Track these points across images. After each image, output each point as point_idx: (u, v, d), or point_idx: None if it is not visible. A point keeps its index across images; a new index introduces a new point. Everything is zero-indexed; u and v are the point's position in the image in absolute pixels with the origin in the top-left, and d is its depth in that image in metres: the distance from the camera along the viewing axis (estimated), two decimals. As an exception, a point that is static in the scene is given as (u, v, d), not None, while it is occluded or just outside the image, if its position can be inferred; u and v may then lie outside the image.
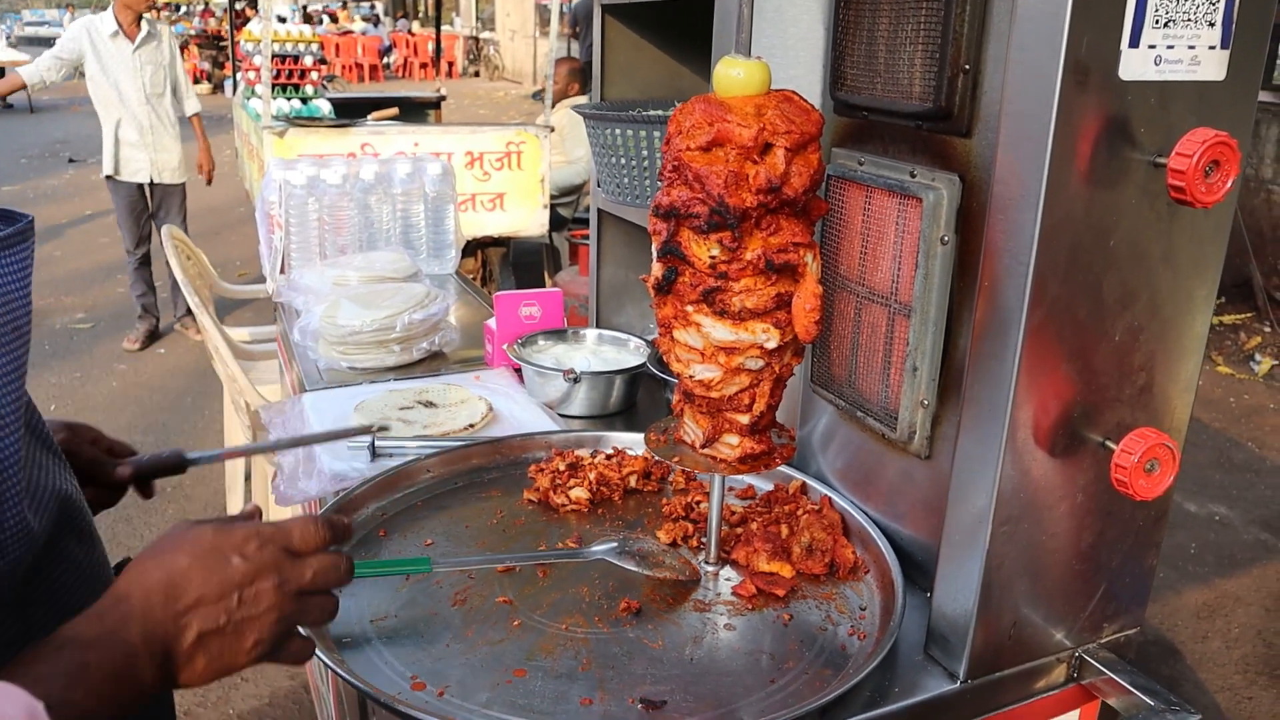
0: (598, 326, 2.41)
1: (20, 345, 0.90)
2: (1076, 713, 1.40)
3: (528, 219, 6.18)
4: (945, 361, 1.36)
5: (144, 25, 6.18)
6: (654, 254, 1.29)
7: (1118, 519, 1.29)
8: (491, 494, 1.69)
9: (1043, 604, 1.28)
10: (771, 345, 1.26)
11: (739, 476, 1.59)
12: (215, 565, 0.94)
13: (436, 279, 3.10)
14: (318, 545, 1.03)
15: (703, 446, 1.35)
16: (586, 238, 5.49)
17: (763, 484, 1.70)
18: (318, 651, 1.18)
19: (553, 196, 6.41)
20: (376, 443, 1.83)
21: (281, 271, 3.03)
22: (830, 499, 1.58)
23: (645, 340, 2.26)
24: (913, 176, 1.34)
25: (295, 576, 0.99)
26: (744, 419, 1.32)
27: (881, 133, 1.43)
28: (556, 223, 6.75)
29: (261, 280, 3.61)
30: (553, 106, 6.38)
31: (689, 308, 1.26)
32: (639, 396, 2.20)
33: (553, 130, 6.25)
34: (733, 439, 1.34)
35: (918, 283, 1.34)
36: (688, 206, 1.20)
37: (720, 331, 1.25)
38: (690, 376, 1.31)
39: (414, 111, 7.85)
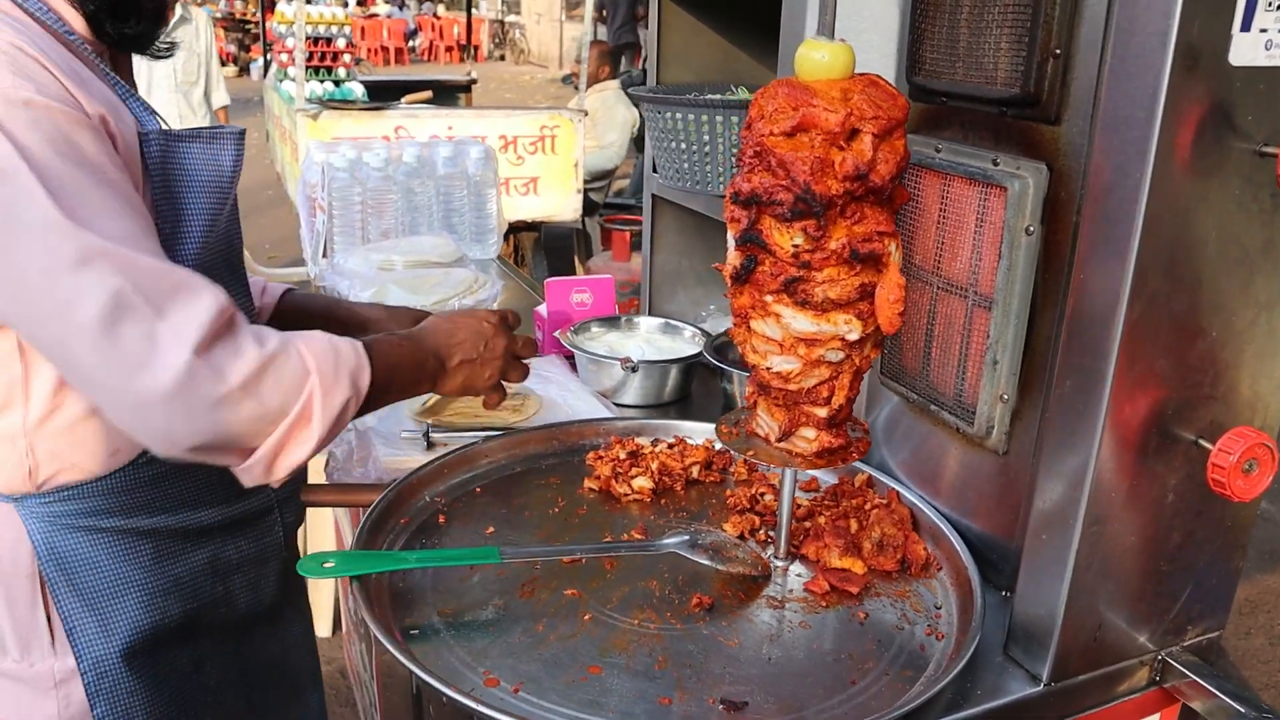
0: (650, 314, 2.38)
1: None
2: (1157, 717, 1.37)
3: (561, 203, 6.15)
4: (1026, 355, 1.33)
5: (178, 9, 6.08)
6: (730, 242, 1.26)
7: (1207, 519, 1.25)
8: (551, 481, 1.67)
9: (1128, 606, 1.25)
10: (853, 337, 1.22)
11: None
12: (474, 325, 1.51)
13: (479, 264, 3.08)
14: (516, 325, 1.59)
15: (778, 440, 1.32)
16: (621, 223, 5.47)
17: (827, 477, 1.67)
18: (388, 645, 1.16)
19: (584, 181, 6.38)
20: (431, 433, 1.81)
21: (324, 255, 3.01)
22: (898, 493, 1.55)
23: (700, 329, 2.23)
24: (995, 164, 1.31)
25: (511, 342, 1.54)
26: (822, 412, 1.29)
27: (961, 119, 1.39)
28: (587, 207, 6.72)
29: (293, 264, 3.59)
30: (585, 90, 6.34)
31: (768, 298, 1.23)
32: (693, 386, 2.17)
33: (586, 114, 6.22)
34: (809, 433, 1.31)
35: (1000, 274, 1.30)
36: (770, 193, 1.17)
37: (801, 322, 1.22)
38: (767, 368, 1.28)
39: (444, 95, 7.82)
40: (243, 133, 1.33)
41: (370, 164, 3.01)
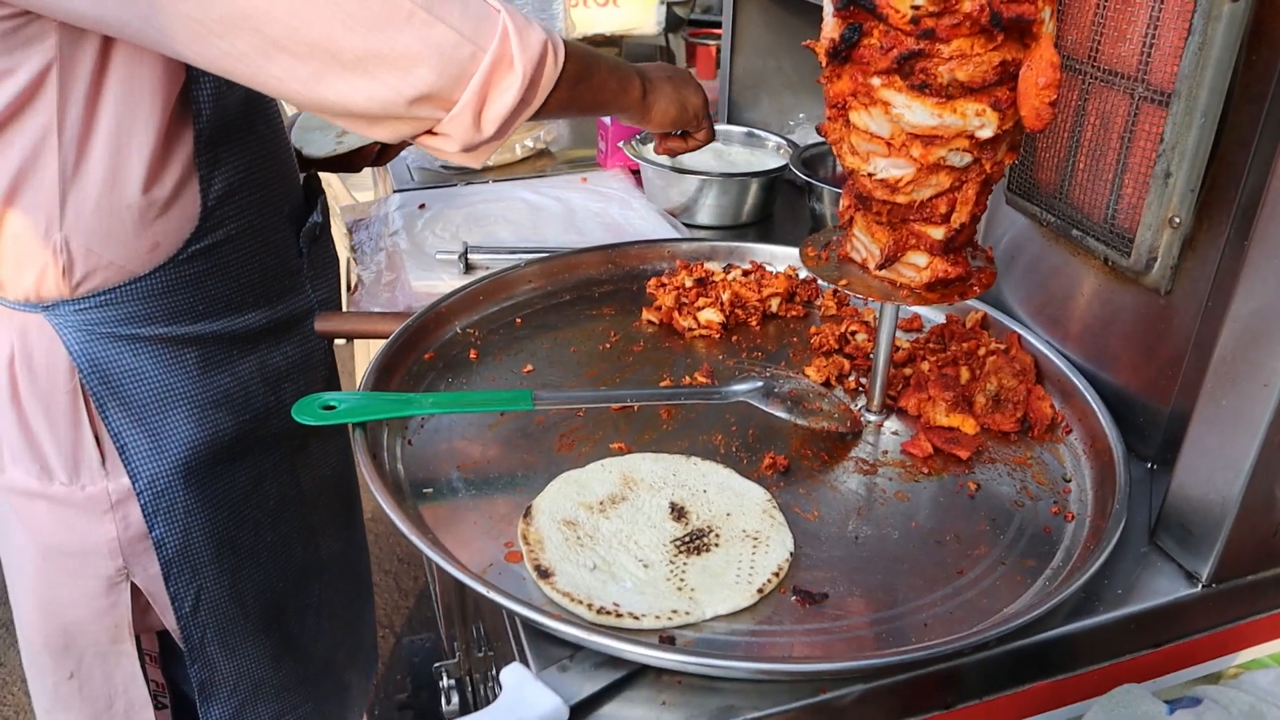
0: (729, 123, 2.07)
1: None
2: (1331, 622, 1.11)
3: (643, 16, 5.68)
4: (1210, 167, 1.02)
5: None
6: (828, 7, 0.96)
7: None
8: (604, 312, 1.42)
9: (1322, 491, 0.98)
10: (986, 134, 0.93)
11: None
12: (667, 68, 1.41)
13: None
14: None
15: (879, 267, 1.05)
16: (707, 37, 5.05)
17: (933, 315, 1.39)
18: (388, 509, 0.95)
19: (668, -9, 5.90)
20: (469, 254, 1.57)
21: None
22: (1020, 337, 1.28)
23: (785, 139, 1.92)
24: (1193, -95, 0.97)
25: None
26: (938, 233, 1.01)
27: None
28: (672, 23, 6.25)
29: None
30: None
31: (875, 80, 0.93)
32: (776, 206, 1.88)
33: (672, -87, 5.69)
34: (920, 258, 1.03)
35: (1187, 58, 0.98)
36: (886, -66, 0.86)
37: (917, 113, 0.93)
38: (869, 174, 0.99)
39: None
40: None
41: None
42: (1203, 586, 0.98)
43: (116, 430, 1.24)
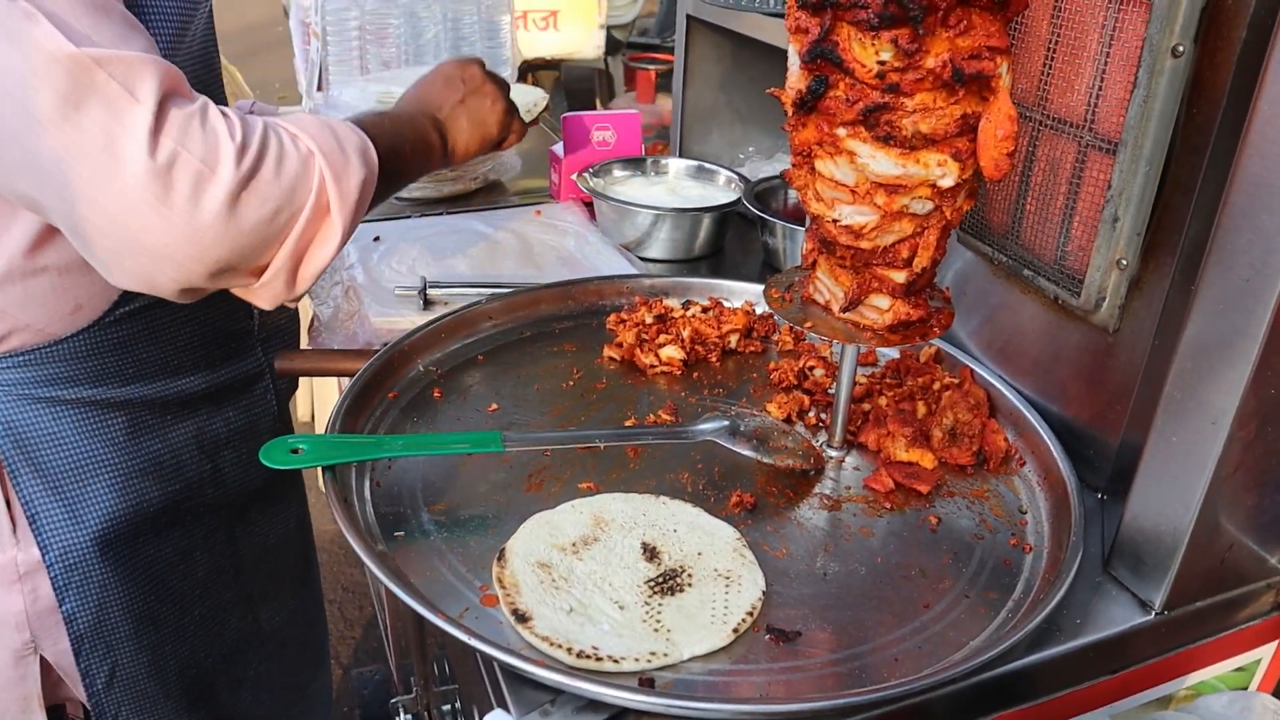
0: (680, 155, 2.10)
1: None
2: (1273, 645, 1.16)
3: (583, 40, 5.73)
4: (1155, 211, 1.07)
5: None
6: (793, 59, 0.99)
7: (1371, 419, 1.02)
8: (565, 349, 1.43)
9: (1266, 522, 1.02)
10: (947, 183, 0.96)
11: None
12: (437, 74, 1.40)
13: (490, 99, 2.77)
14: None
15: (843, 310, 1.08)
16: (647, 61, 5.09)
17: (888, 350, 1.43)
18: (364, 555, 0.95)
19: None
20: (429, 290, 1.57)
21: (319, 88, 2.71)
22: (972, 371, 1.31)
23: (737, 173, 1.95)
24: (1136, -37, 1.02)
25: (501, 85, 1.44)
26: (899, 277, 1.04)
27: (1089, -94, 1.09)
28: (610, 46, 6.29)
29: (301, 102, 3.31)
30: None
31: (841, 130, 0.97)
32: (728, 239, 1.91)
33: (611, -60, 5.75)
34: (882, 301, 1.06)
35: (1133, 108, 1.03)
36: (852, -8, 0.89)
37: (882, 163, 0.96)
38: (834, 221, 1.02)
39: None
40: None
41: (369, -17, 2.68)
42: (1156, 614, 1.02)
43: (28, 497, 1.18)
